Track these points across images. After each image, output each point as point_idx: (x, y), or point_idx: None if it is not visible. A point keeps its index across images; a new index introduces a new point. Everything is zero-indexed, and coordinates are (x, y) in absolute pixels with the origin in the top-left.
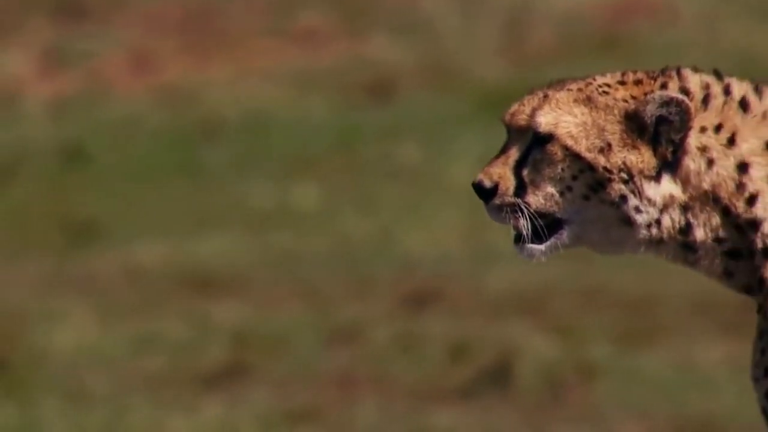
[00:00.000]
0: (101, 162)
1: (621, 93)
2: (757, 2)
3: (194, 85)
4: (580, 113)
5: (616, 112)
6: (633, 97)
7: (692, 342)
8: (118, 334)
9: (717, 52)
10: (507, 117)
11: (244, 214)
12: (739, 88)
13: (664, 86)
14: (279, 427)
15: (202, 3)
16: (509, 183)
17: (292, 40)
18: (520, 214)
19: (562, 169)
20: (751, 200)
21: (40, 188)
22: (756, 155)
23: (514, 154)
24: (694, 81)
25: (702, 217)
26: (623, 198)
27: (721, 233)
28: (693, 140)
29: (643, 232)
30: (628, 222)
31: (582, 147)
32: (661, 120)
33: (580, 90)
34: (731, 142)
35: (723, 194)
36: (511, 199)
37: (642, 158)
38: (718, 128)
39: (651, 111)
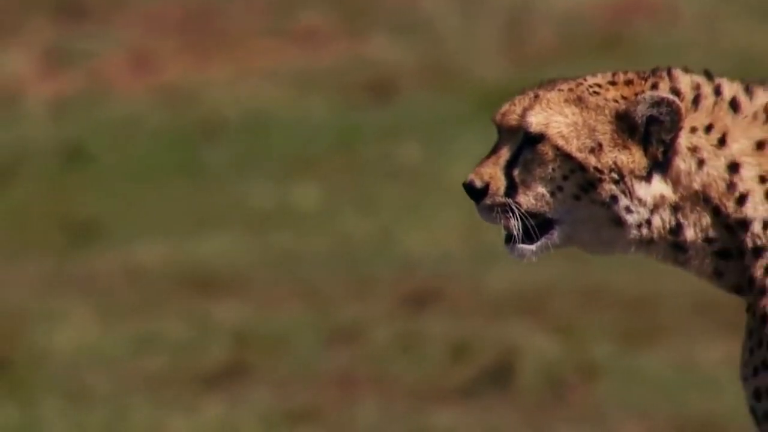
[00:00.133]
0: (101, 162)
1: (612, 93)
2: (757, 2)
3: (194, 85)
4: (571, 113)
5: (606, 112)
6: (624, 98)
7: (693, 342)
8: (118, 333)
9: (717, 52)
10: (498, 117)
11: (245, 214)
12: (730, 88)
13: (654, 87)
14: (279, 427)
15: (203, 3)
16: (500, 183)
17: (292, 40)
18: (511, 214)
19: (553, 169)
20: (741, 200)
21: (41, 188)
22: (746, 155)
23: (505, 154)
24: (685, 81)
25: (692, 217)
26: (614, 198)
27: (711, 233)
28: (683, 140)
29: (634, 232)
30: (619, 222)
31: (573, 147)
32: (651, 120)
33: (571, 90)
34: (722, 142)
35: (713, 194)
36: (502, 199)
37: (633, 158)
38: (708, 128)
39: (642, 111)
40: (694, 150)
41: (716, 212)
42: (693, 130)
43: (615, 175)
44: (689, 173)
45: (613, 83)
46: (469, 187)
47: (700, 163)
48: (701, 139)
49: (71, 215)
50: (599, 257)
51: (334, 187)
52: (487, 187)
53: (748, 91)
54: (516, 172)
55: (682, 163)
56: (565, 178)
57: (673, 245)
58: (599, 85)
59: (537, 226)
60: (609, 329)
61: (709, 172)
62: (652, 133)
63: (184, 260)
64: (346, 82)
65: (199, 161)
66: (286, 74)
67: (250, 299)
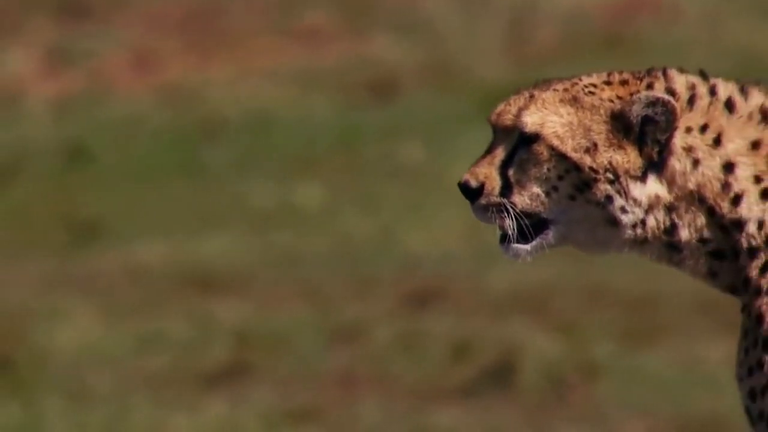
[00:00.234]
0: (103, 161)
1: (607, 93)
2: (760, 1)
3: (196, 84)
4: (566, 113)
5: (602, 112)
6: (619, 98)
7: (695, 341)
8: (120, 333)
9: (720, 50)
10: (493, 117)
11: (246, 214)
12: (725, 88)
13: (650, 86)
14: (281, 426)
15: (204, 2)
16: (495, 183)
17: (294, 39)
18: (506, 214)
19: (548, 169)
20: (736, 200)
21: (43, 187)
22: (741, 155)
23: (500, 153)
24: (680, 81)
25: (687, 217)
26: (609, 198)
27: (706, 233)
28: (678, 140)
29: (629, 232)
30: (614, 222)
31: (568, 147)
32: (646, 120)
33: (566, 90)
34: (717, 142)
35: (708, 194)
36: (497, 199)
37: (628, 158)
38: (703, 128)
39: (637, 111)
40: (689, 150)
41: (711, 212)
42: (688, 130)
43: (610, 175)
44: (684, 173)
45: (608, 83)
46: (464, 187)
47: (695, 163)
48: (696, 139)
49: (73, 215)
50: (600, 257)
51: (335, 186)
52: (482, 186)
53: (743, 91)
54: (511, 172)
55: (677, 163)
56: (560, 178)
57: (668, 245)
58: (594, 85)
59: (532, 225)
60: (610, 329)
61: (704, 172)
62: (648, 133)
63: (186, 259)
64: (348, 81)
65: (200, 161)
66: (287, 74)
67: (252, 299)
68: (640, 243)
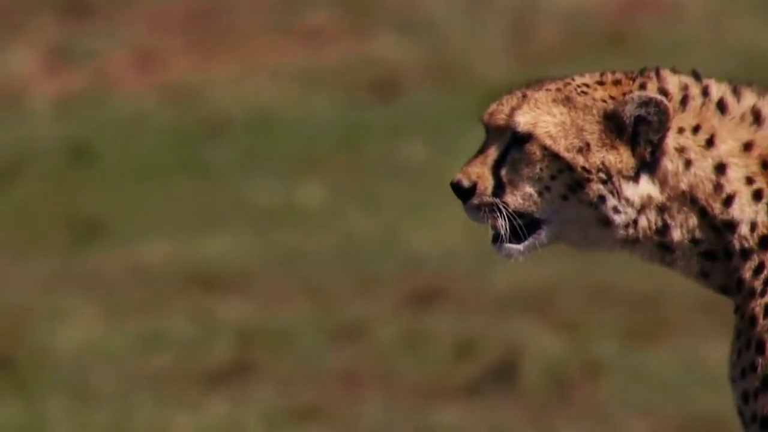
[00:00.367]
0: (106, 160)
1: (600, 93)
2: (762, 0)
3: (199, 83)
4: (559, 113)
5: (594, 112)
6: (612, 98)
7: (698, 340)
8: (123, 331)
9: (722, 49)
10: (486, 116)
11: (249, 212)
12: (718, 89)
13: (642, 87)
14: (284, 424)
15: (207, 2)
16: (487, 183)
17: (297, 38)
18: (498, 214)
19: (541, 169)
20: (728, 201)
21: (46, 186)
22: (733, 156)
23: (492, 153)
24: (673, 82)
25: (679, 217)
26: (602, 198)
27: (698, 234)
28: (671, 141)
29: (621, 232)
30: (607, 222)
31: (561, 147)
32: (639, 120)
33: (558, 90)
34: (709, 143)
35: (700, 195)
36: (490, 199)
37: (620, 158)
38: (696, 129)
39: (630, 111)
40: (681, 150)
41: (703, 213)
42: (680, 130)
43: (603, 175)
44: (676, 174)
45: (601, 83)
46: (456, 187)
47: (688, 163)
48: (689, 140)
49: (75, 213)
50: (603, 255)
51: (338, 185)
52: (474, 186)
53: (736, 92)
54: (503, 172)
55: (670, 163)
56: (552, 177)
57: (660, 245)
58: (587, 85)
59: (524, 225)
60: (613, 327)
61: (696, 173)
62: (640, 133)
63: (189, 258)
64: (350, 80)
65: (203, 159)
66: (290, 73)
67: (255, 297)
68: (632, 243)
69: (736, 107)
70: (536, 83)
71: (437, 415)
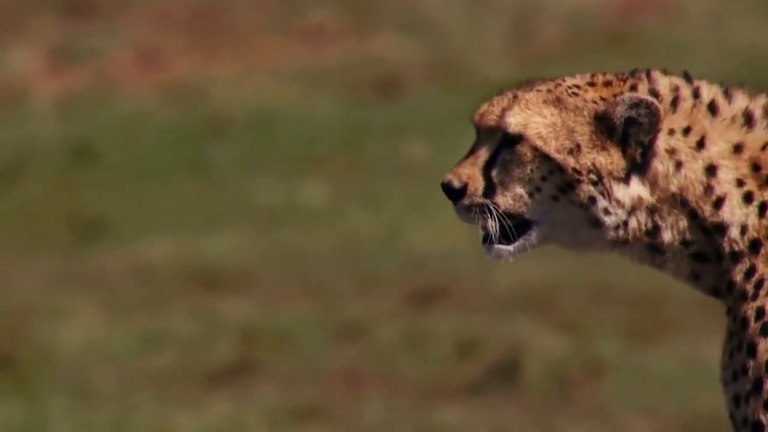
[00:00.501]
0: (109, 159)
1: (590, 94)
2: (764, 0)
3: (201, 82)
4: (550, 114)
5: (585, 113)
6: (602, 99)
7: (700, 339)
8: (125, 331)
9: (724, 49)
10: (476, 117)
11: (251, 212)
12: (709, 91)
13: (633, 88)
14: (286, 424)
15: (209, 1)
16: (478, 183)
17: (299, 37)
18: (489, 215)
19: (531, 170)
20: (718, 203)
21: (48, 186)
22: (724, 158)
23: (483, 154)
24: (664, 83)
25: (669, 219)
26: (592, 199)
27: (688, 236)
28: (662, 142)
29: (611, 233)
30: (597, 223)
31: (551, 148)
32: (630, 122)
33: (549, 91)
34: (700, 145)
35: (690, 197)
36: (480, 200)
37: (611, 160)
38: (686, 131)
39: (620, 112)
40: (672, 152)
41: (693, 215)
42: (671, 132)
43: (593, 177)
44: (667, 175)
45: (591, 84)
46: (447, 188)
47: (678, 165)
48: (679, 142)
49: (78, 213)
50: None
51: (340, 184)
52: (465, 187)
53: (727, 94)
54: (494, 173)
55: (660, 165)
56: (543, 179)
57: (650, 247)
58: (578, 86)
59: (515, 226)
60: (615, 326)
61: (686, 175)
62: (631, 135)
63: (191, 257)
64: (353, 79)
65: (205, 159)
66: (291, 72)
67: (257, 296)
68: (622, 244)
69: (727, 109)
70: (527, 84)
71: (439, 414)
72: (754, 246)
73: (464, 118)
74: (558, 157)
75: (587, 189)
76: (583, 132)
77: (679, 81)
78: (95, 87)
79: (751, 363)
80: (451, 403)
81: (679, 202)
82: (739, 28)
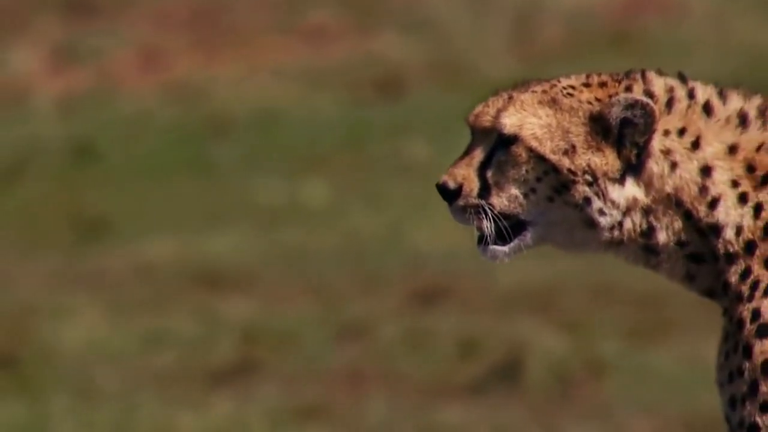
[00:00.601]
0: (110, 159)
1: (586, 95)
2: (766, 0)
3: (203, 82)
4: (545, 115)
5: (580, 114)
6: (598, 100)
7: (701, 338)
8: (127, 330)
9: (726, 49)
10: (471, 118)
11: (253, 211)
12: (704, 92)
13: (628, 89)
14: (287, 423)
15: (210, 0)
16: (473, 184)
17: (301, 37)
18: (484, 216)
19: (527, 171)
20: (713, 204)
21: (50, 185)
22: (719, 159)
23: (478, 155)
24: (659, 84)
25: (664, 220)
26: (587, 200)
27: (684, 237)
28: (657, 143)
29: (606, 234)
30: (592, 224)
31: (546, 149)
32: (625, 122)
33: (544, 92)
34: (695, 145)
35: (686, 198)
36: (475, 201)
37: (606, 160)
38: (681, 132)
39: (616, 113)
40: (667, 153)
41: (688, 216)
42: (666, 133)
43: (588, 177)
44: (662, 176)
45: (587, 85)
46: (442, 188)
47: (673, 166)
48: (674, 142)
49: (79, 212)
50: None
51: (342, 183)
52: (460, 188)
53: (722, 94)
54: (489, 174)
55: (655, 165)
56: (538, 179)
57: (645, 248)
58: (573, 87)
59: (510, 227)
60: (617, 326)
61: (681, 175)
62: (626, 136)
63: (193, 257)
64: (355, 79)
65: (207, 158)
66: (294, 71)
67: (259, 296)
68: (617, 245)
69: (721, 110)
70: (522, 85)
71: (441, 413)
72: (749, 247)
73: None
74: (553, 157)
75: (582, 190)
76: (579, 133)
77: (674, 82)
78: (97, 86)
79: (747, 365)
80: (452, 402)
81: (674, 202)
82: (741, 27)
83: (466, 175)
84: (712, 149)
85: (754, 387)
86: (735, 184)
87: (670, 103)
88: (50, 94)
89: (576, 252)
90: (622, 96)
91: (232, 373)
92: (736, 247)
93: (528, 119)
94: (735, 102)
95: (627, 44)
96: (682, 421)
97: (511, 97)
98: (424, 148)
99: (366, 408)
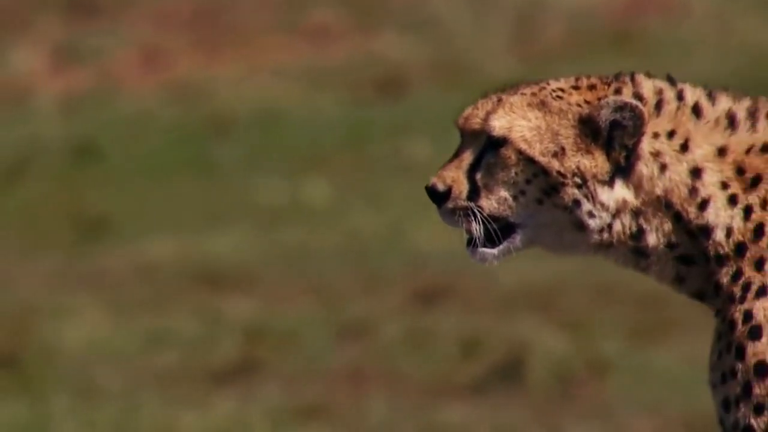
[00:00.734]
0: (112, 158)
1: (575, 97)
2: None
3: (204, 81)
4: (534, 117)
5: (570, 116)
6: (587, 102)
7: (703, 338)
8: (129, 330)
9: (727, 48)
10: (461, 120)
11: (254, 211)
12: (693, 94)
13: (617, 91)
14: (289, 423)
15: (212, 0)
16: (462, 187)
17: (303, 36)
18: (473, 218)
19: (516, 173)
20: (703, 205)
21: (51, 185)
22: (708, 161)
23: (467, 157)
24: (648, 86)
25: (654, 222)
26: (576, 202)
27: (673, 239)
28: (646, 145)
29: (596, 236)
30: (581, 226)
31: (536, 151)
32: (614, 125)
33: (534, 94)
34: (684, 147)
35: (675, 200)
36: (464, 203)
37: (595, 163)
38: (671, 134)
39: (605, 116)
40: (656, 155)
41: (678, 218)
42: (655, 135)
43: (578, 180)
44: (651, 178)
45: (576, 87)
46: (431, 191)
47: (663, 168)
48: (664, 145)
49: (82, 212)
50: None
51: (344, 183)
52: (449, 190)
53: (711, 96)
54: (479, 176)
55: (645, 168)
56: (527, 182)
57: (635, 250)
58: (562, 89)
59: (499, 229)
60: (619, 326)
61: (671, 177)
62: (615, 138)
63: (194, 256)
64: (356, 79)
65: (208, 158)
66: (295, 71)
67: (261, 295)
68: (607, 247)
69: (711, 111)
70: (512, 87)
71: (442, 413)
72: (740, 249)
73: None
74: (542, 160)
75: (571, 192)
76: (568, 135)
77: (663, 84)
78: (98, 86)
79: (740, 366)
80: (454, 401)
81: (664, 204)
82: (742, 27)
83: (456, 177)
84: (702, 151)
85: (747, 389)
86: (725, 185)
87: (659, 106)
88: (51, 93)
89: (565, 254)
90: (612, 98)
91: (233, 372)
92: (727, 249)
93: (517, 121)
94: (724, 103)
95: (628, 44)
96: (683, 420)
97: (500, 100)
98: (425, 148)
99: (367, 407)
